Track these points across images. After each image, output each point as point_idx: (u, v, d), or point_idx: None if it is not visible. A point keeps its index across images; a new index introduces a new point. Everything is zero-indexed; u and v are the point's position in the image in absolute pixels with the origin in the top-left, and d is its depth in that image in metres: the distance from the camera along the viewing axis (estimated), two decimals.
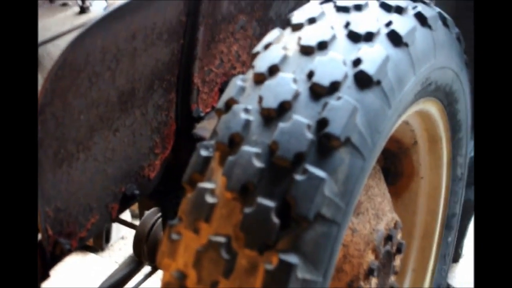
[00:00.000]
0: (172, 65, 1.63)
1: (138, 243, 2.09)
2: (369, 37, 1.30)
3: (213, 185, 1.16)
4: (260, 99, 1.21)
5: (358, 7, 1.39)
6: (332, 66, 1.23)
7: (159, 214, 2.06)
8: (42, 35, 2.06)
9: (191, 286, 1.13)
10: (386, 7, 1.41)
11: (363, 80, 1.22)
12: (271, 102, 1.19)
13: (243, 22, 1.84)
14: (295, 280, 1.08)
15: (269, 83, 1.23)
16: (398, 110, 1.33)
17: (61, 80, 1.32)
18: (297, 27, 1.36)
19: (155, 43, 1.54)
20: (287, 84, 1.21)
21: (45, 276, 1.42)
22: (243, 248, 1.10)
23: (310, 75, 1.22)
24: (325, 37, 1.29)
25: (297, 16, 1.39)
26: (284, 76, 1.23)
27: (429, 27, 1.43)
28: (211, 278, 1.11)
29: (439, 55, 1.47)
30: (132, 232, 2.19)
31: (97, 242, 3.04)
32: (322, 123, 1.15)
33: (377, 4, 1.42)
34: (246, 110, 1.20)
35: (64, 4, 2.36)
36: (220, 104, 1.26)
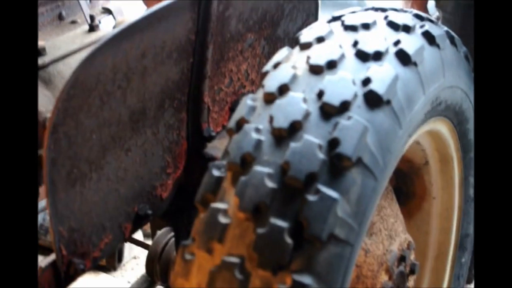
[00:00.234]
0: (182, 84, 1.64)
1: (150, 262, 2.09)
2: (377, 56, 1.31)
3: (225, 205, 1.17)
4: (271, 118, 1.21)
5: (366, 26, 1.40)
6: (341, 85, 1.23)
7: (172, 234, 2.06)
8: (52, 54, 2.08)
9: None
10: (394, 26, 1.41)
11: (373, 100, 1.22)
12: (282, 122, 1.20)
13: (251, 41, 1.86)
14: None
15: (280, 102, 1.23)
16: (409, 130, 1.33)
17: (73, 99, 1.34)
18: (306, 46, 1.36)
19: (165, 61, 1.56)
20: (297, 103, 1.22)
21: None
22: (257, 268, 1.10)
23: (320, 94, 1.22)
24: (334, 56, 1.29)
25: (306, 35, 1.39)
26: (294, 96, 1.23)
27: (437, 46, 1.44)
28: None
29: (448, 74, 1.48)
30: (145, 251, 2.18)
31: (110, 262, 3.03)
32: (333, 143, 1.16)
33: (384, 23, 1.43)
34: (257, 130, 1.21)
35: (73, 22, 2.38)
36: (231, 123, 1.27)
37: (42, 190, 1.54)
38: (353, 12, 1.49)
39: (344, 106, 1.21)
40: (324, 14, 1.71)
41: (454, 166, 1.81)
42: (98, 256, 1.49)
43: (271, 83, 1.28)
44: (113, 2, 2.67)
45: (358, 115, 1.20)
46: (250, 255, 1.11)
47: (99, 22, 2.38)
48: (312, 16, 2.04)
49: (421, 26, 1.44)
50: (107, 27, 2.39)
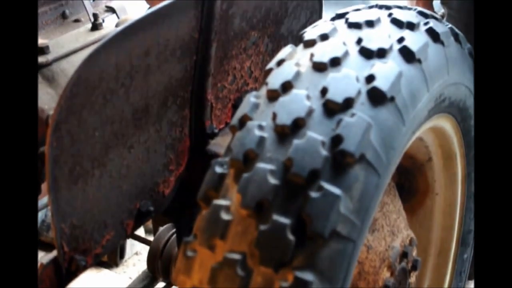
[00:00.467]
0: (185, 82, 1.64)
1: (152, 258, 2.09)
2: (381, 53, 1.30)
3: (228, 202, 1.16)
4: (274, 116, 1.21)
5: (370, 23, 1.40)
6: (345, 82, 1.23)
7: (173, 230, 2.06)
8: (55, 52, 2.08)
9: None
10: (398, 23, 1.41)
11: (376, 97, 1.22)
12: (285, 119, 1.19)
13: (255, 39, 1.85)
14: None
15: (283, 99, 1.23)
16: (412, 127, 1.33)
17: (76, 97, 1.34)
18: (310, 44, 1.36)
19: (168, 59, 1.56)
20: (301, 100, 1.21)
21: None
22: (259, 265, 1.10)
23: (324, 91, 1.22)
24: (338, 53, 1.29)
25: (310, 33, 1.39)
26: (298, 93, 1.23)
27: (441, 43, 1.43)
28: None
29: (452, 71, 1.47)
30: (146, 247, 2.19)
31: (112, 258, 3.04)
32: (336, 140, 1.15)
33: (388, 20, 1.42)
34: (260, 127, 1.21)
35: (77, 21, 2.39)
36: (234, 120, 1.26)
37: (44, 187, 1.54)
38: (357, 9, 1.49)
39: (348, 103, 1.20)
40: (327, 12, 1.71)
41: (457, 162, 1.81)
42: (100, 253, 1.49)
43: (275, 80, 1.28)
44: (116, 0, 2.67)
45: (361, 112, 1.19)
46: (252, 251, 1.11)
47: (103, 20, 2.38)
48: (316, 14, 2.03)
49: (425, 24, 1.44)
50: (110, 26, 2.38)
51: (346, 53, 1.30)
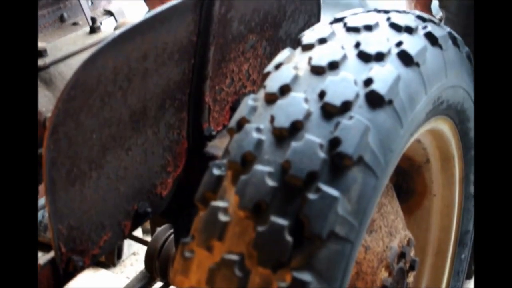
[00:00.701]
0: (183, 85, 1.65)
1: (150, 259, 2.09)
2: (380, 57, 1.31)
3: (225, 204, 1.16)
4: (272, 118, 1.21)
5: (368, 27, 1.40)
6: (343, 86, 1.23)
7: (171, 231, 2.06)
8: (53, 55, 2.09)
9: None
10: (396, 27, 1.41)
11: (374, 100, 1.22)
12: (283, 122, 1.20)
13: (253, 42, 1.86)
14: None
15: (281, 102, 1.23)
16: (410, 129, 1.33)
17: (74, 100, 1.34)
18: (308, 47, 1.36)
19: (166, 63, 1.56)
20: (299, 103, 1.22)
21: None
22: (256, 266, 1.10)
23: (322, 94, 1.22)
24: (336, 57, 1.29)
25: (308, 36, 1.40)
26: (296, 96, 1.23)
27: (440, 46, 1.44)
28: None
29: (450, 74, 1.48)
30: (144, 248, 2.19)
31: (109, 258, 3.04)
32: (334, 142, 1.16)
33: (387, 24, 1.43)
34: (258, 130, 1.21)
35: (75, 24, 2.39)
36: (232, 123, 1.26)
37: (42, 188, 1.54)
38: (355, 13, 1.50)
39: (346, 106, 1.21)
40: (326, 16, 1.72)
41: (455, 164, 1.81)
42: (97, 254, 1.49)
43: (273, 83, 1.28)
44: (114, 3, 2.67)
45: (359, 114, 1.20)
46: (250, 252, 1.11)
47: (101, 24, 2.38)
48: (314, 18, 2.04)
49: (424, 27, 1.44)
50: (108, 29, 2.39)
51: (344, 57, 1.30)
